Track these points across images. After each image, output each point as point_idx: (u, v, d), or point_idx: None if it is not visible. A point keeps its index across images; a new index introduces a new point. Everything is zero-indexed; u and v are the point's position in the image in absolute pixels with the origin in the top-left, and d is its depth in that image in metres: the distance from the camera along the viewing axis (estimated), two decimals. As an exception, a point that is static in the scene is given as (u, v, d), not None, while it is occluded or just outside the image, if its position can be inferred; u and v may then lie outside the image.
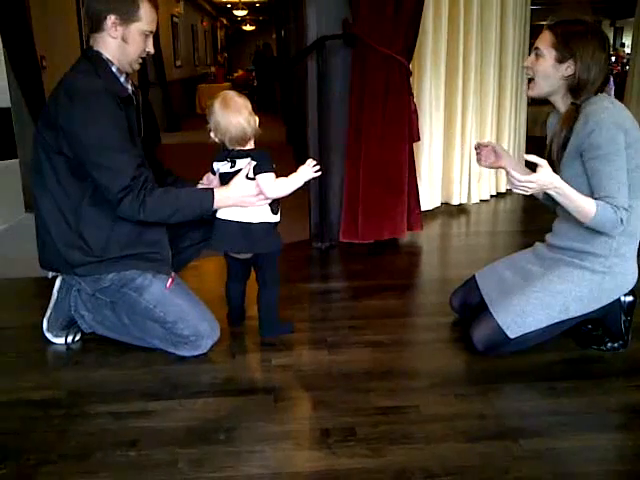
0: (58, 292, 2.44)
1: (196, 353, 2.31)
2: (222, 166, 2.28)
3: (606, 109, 2.04)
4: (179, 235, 2.47)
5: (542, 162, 1.97)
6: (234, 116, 2.19)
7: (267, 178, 2.21)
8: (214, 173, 2.34)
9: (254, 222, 2.25)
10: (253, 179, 2.23)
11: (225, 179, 2.28)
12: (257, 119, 2.24)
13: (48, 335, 2.44)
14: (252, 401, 2.05)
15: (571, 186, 2.04)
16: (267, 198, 2.24)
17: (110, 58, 2.21)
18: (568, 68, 2.10)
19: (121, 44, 2.19)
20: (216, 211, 2.27)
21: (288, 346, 2.42)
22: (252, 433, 1.86)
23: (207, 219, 2.31)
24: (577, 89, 2.10)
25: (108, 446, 1.81)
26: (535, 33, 2.26)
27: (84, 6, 2.24)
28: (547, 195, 2.36)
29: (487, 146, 2.41)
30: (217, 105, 2.21)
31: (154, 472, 1.70)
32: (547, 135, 2.30)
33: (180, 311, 2.28)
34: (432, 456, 1.74)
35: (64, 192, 2.19)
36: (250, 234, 2.26)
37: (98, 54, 2.20)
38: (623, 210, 2.00)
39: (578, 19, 2.14)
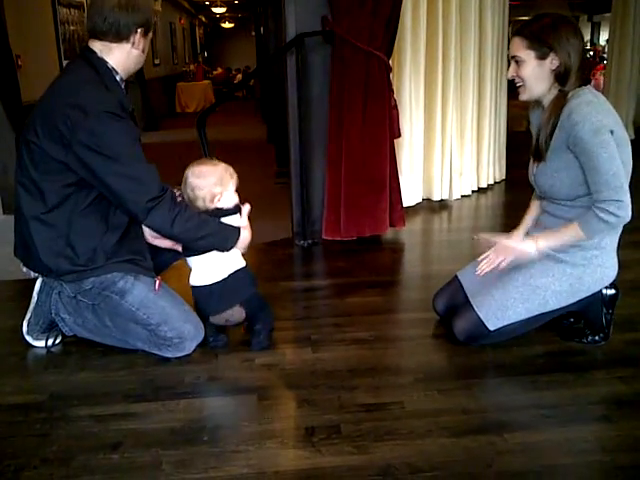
0: (38, 294, 2.40)
1: (180, 355, 2.29)
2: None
3: (590, 102, 2.05)
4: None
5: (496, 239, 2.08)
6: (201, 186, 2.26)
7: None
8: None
9: (238, 269, 2.30)
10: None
11: None
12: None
13: (28, 338, 2.41)
14: (236, 401, 2.04)
15: (558, 177, 2.08)
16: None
17: (115, 67, 2.17)
18: (553, 61, 2.09)
19: (139, 55, 2.22)
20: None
21: (271, 345, 2.41)
22: (236, 433, 1.86)
23: None
24: (564, 76, 2.09)
25: (91, 449, 1.79)
26: (514, 28, 2.26)
27: (105, 17, 2.10)
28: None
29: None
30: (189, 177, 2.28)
31: (138, 474, 1.68)
32: (532, 130, 2.29)
33: (164, 313, 2.26)
34: (417, 452, 1.75)
35: (55, 203, 2.14)
36: (237, 282, 2.30)
37: (103, 62, 2.15)
38: (612, 202, 1.98)
39: (539, 14, 2.16)
